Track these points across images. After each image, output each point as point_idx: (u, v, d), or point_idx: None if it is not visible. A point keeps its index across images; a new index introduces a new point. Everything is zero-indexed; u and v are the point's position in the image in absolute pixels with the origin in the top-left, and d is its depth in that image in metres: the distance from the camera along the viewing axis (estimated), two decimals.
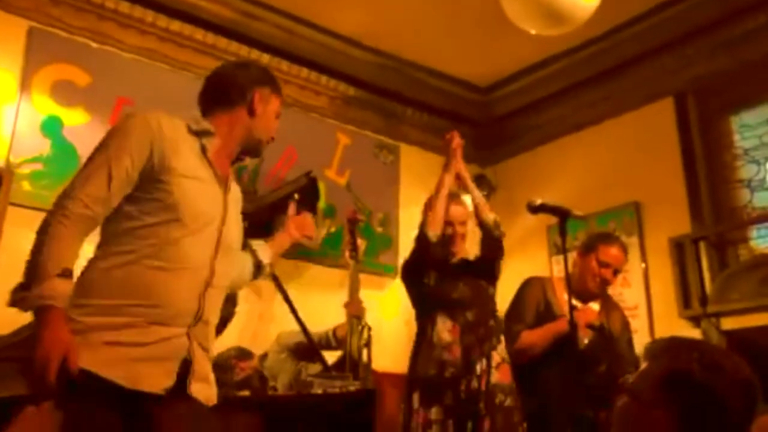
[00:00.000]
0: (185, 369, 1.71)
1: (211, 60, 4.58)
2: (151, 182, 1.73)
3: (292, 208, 2.22)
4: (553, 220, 2.78)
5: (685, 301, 4.35)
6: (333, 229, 4.89)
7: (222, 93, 1.94)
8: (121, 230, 1.72)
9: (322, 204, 4.64)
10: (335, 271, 4.54)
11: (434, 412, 2.69)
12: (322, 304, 4.19)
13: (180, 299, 1.70)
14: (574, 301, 2.79)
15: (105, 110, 4.03)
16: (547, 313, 2.93)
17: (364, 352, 3.53)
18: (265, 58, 4.75)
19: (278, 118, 2.01)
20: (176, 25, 4.43)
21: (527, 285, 3.04)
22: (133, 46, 4.29)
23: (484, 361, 2.74)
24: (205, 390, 1.77)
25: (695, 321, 4.29)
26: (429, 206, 2.90)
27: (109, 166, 1.69)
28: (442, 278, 2.89)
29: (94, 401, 1.58)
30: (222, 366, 3.32)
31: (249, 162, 4.59)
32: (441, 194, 2.89)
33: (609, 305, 3.11)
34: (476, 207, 2.99)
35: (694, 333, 4.14)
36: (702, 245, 4.40)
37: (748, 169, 4.51)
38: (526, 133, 5.59)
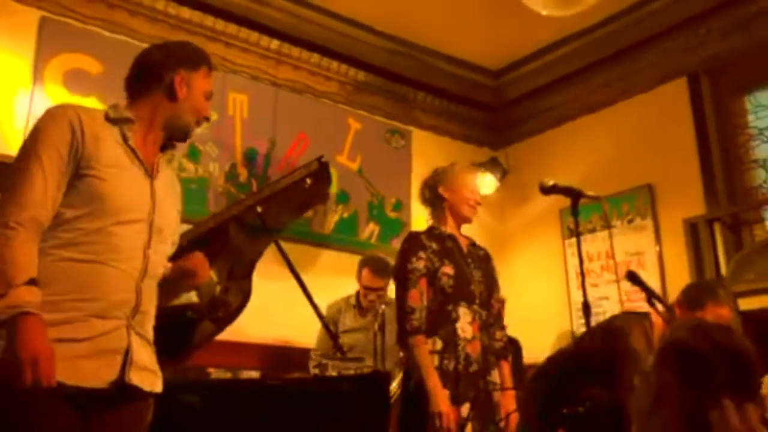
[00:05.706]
0: (127, 361, 1.69)
1: (222, 47, 4.60)
2: (74, 174, 1.69)
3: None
4: (565, 203, 2.75)
5: None
6: (345, 215, 4.90)
7: (141, 79, 1.90)
8: (47, 226, 1.67)
9: (333, 189, 4.65)
10: (347, 256, 4.56)
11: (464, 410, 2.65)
12: (334, 290, 4.20)
13: (116, 290, 1.68)
14: None
15: (118, 99, 4.02)
16: None
17: (379, 335, 3.55)
18: (275, 44, 4.75)
19: (209, 96, 1.93)
20: (186, 12, 4.44)
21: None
22: (145, 35, 4.29)
23: None
24: (148, 378, 1.74)
25: None
26: None
27: (42, 168, 1.65)
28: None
29: (44, 404, 1.54)
30: None
31: (261, 148, 4.64)
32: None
33: None
34: None
35: None
36: (717, 226, 4.38)
37: (763, 149, 4.47)
38: (537, 116, 5.56)
